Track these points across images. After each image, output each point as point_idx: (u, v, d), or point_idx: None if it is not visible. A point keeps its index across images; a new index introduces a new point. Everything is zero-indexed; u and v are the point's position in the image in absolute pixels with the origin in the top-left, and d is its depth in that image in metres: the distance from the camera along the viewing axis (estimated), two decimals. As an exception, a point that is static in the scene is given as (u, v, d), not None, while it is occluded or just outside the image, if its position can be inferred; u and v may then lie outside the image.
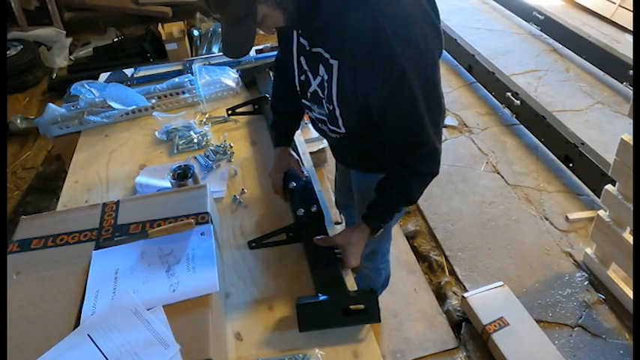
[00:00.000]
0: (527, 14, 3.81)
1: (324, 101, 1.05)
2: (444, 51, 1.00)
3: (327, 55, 0.97)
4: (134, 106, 1.63)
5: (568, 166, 2.42)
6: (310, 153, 1.46)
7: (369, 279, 1.58)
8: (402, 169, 1.04)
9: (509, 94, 2.80)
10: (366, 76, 0.91)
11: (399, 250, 2.12)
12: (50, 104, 1.63)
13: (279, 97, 1.29)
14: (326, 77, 0.99)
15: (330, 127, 1.10)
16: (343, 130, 1.07)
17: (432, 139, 0.99)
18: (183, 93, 1.69)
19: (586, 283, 1.93)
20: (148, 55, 3.55)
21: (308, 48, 1.01)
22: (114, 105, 1.62)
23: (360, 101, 0.96)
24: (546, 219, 2.23)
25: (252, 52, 2.04)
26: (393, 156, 1.04)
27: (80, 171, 1.44)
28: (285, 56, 1.11)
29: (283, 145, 1.29)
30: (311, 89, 1.07)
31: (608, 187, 1.76)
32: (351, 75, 0.94)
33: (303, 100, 1.14)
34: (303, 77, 1.08)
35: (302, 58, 1.05)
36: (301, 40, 1.03)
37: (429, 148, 1.00)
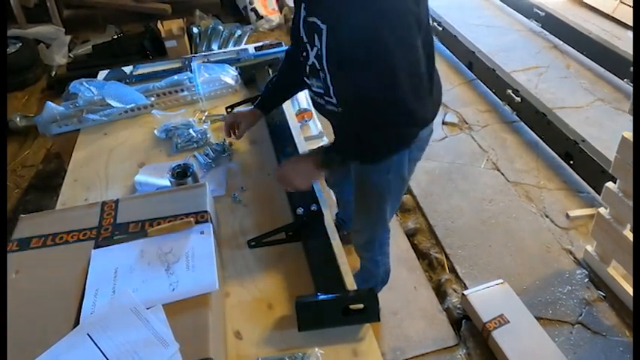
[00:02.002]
0: (528, 11, 3.80)
1: (320, 72, 1.09)
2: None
3: (319, 22, 1.01)
4: (133, 104, 1.63)
5: (568, 164, 2.41)
6: (310, 151, 1.45)
7: (368, 272, 1.60)
8: (370, 125, 1.04)
9: (509, 91, 2.79)
10: (343, 29, 0.97)
11: (398, 247, 2.12)
12: (49, 103, 1.63)
13: (282, 69, 1.39)
14: (319, 46, 1.04)
15: (326, 98, 1.14)
16: (335, 100, 1.11)
17: (406, 97, 0.98)
18: (182, 91, 1.69)
19: (586, 280, 1.93)
20: (147, 52, 3.54)
21: (305, 17, 1.06)
22: (113, 103, 1.62)
23: (343, 58, 1.00)
24: (546, 216, 2.23)
25: (252, 50, 2.04)
26: (368, 112, 1.04)
27: (79, 169, 1.43)
28: (294, 32, 1.17)
29: (260, 109, 1.38)
30: (309, 62, 1.11)
31: (609, 184, 1.75)
32: (335, 34, 0.99)
33: (304, 78, 1.18)
34: (304, 53, 1.12)
35: (303, 31, 1.09)
36: (302, 10, 1.08)
37: (402, 106, 0.99)
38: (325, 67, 1.06)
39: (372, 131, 1.04)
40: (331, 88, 1.08)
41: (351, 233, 1.99)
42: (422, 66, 1.01)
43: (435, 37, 3.60)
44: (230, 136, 1.39)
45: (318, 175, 1.13)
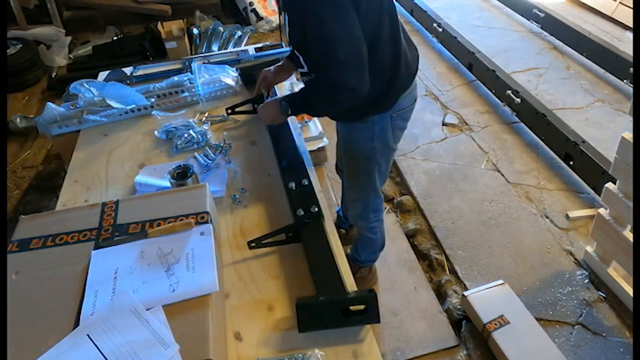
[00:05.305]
0: (528, 12, 3.80)
1: (291, 47, 1.33)
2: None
3: (283, 10, 1.25)
4: (133, 105, 1.63)
5: (568, 164, 2.41)
6: (310, 152, 1.46)
7: (367, 240, 1.74)
8: (326, 82, 1.20)
9: (509, 92, 2.80)
10: (293, 8, 1.20)
11: (398, 248, 2.11)
12: (49, 103, 1.63)
13: None
14: (285, 25, 1.27)
15: (300, 70, 1.33)
16: (306, 68, 1.29)
17: (342, 59, 1.12)
18: (183, 92, 1.69)
19: (586, 281, 1.93)
20: (148, 53, 3.55)
21: (281, 9, 1.29)
22: (113, 104, 1.62)
23: (298, 37, 1.22)
24: (547, 217, 2.23)
25: (252, 51, 2.04)
26: (319, 76, 1.25)
27: (79, 170, 1.43)
28: None
29: (292, 61, 1.50)
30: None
31: (609, 185, 1.75)
32: (289, 13, 1.22)
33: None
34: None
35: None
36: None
37: (339, 65, 1.13)
38: (289, 41, 1.29)
39: (317, 91, 1.25)
40: (300, 57, 1.27)
41: (351, 232, 2.02)
42: (362, 37, 1.14)
43: (434, 38, 3.64)
44: (261, 92, 1.56)
45: (281, 118, 1.35)
